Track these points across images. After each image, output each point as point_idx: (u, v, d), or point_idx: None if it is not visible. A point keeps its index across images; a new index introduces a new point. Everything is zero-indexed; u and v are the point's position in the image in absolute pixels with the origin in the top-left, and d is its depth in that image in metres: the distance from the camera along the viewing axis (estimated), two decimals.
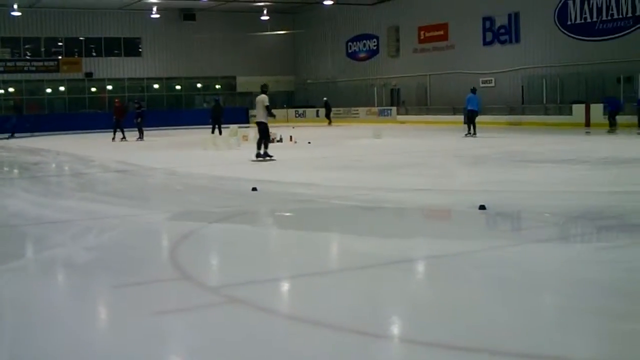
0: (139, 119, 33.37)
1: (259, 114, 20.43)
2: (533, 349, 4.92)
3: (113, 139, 33.01)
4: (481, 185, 13.77)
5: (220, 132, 30.75)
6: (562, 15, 38.29)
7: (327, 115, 47.72)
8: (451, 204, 11.98)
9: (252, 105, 52.66)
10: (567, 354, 4.91)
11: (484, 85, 42.80)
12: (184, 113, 53.02)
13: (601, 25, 36.53)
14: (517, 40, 41.19)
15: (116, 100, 36.11)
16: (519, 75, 40.76)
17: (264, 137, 20.35)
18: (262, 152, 20.22)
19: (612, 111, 30.60)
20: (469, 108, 30.26)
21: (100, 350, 5.26)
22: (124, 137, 32.97)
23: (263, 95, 20.31)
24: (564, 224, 10.08)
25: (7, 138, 37.94)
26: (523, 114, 38.81)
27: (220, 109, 32.69)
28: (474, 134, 29.29)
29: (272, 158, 20.17)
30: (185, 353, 5.22)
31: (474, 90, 31.26)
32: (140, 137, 33.26)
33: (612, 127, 29.82)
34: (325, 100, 49.22)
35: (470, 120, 29.77)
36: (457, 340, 5.15)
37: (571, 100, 37.02)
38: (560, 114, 36.80)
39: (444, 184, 14.20)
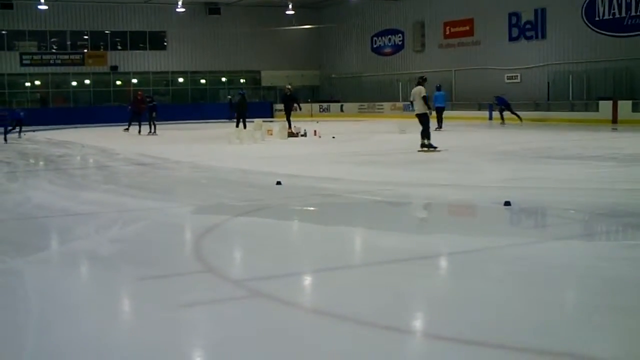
0: (154, 113, 33.62)
1: (418, 106, 20.58)
2: (556, 346, 4.88)
3: (127, 129, 33.47)
4: (506, 181, 13.69)
5: (244, 126, 30.78)
6: (589, 10, 37.96)
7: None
8: (476, 199, 11.91)
9: (276, 100, 53.39)
10: (590, 351, 4.87)
11: (509, 81, 42.59)
12: (208, 107, 53.16)
13: (630, 20, 36.17)
14: (544, 36, 40.91)
15: (139, 92, 36.27)
16: (545, 71, 40.49)
17: (426, 128, 20.44)
18: (426, 142, 20.35)
19: (502, 107, 35.97)
20: (437, 105, 31.99)
21: (123, 342, 5.28)
22: (140, 131, 33.26)
23: (420, 87, 20.71)
24: (589, 221, 10.01)
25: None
26: (549, 110, 38.52)
27: (245, 103, 32.69)
28: (440, 128, 31.17)
29: (437, 149, 20.08)
30: (209, 346, 5.23)
31: (439, 88, 34.00)
32: (153, 131, 33.44)
33: (502, 121, 35.59)
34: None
35: (439, 115, 31.91)
36: (479, 335, 5.12)
37: (598, 97, 36.72)
38: (587, 110, 36.46)
39: (469, 179, 14.13)
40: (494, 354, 4.83)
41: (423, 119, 20.37)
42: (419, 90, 20.54)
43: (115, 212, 10.96)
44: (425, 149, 20.15)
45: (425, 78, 21.90)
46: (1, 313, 5.97)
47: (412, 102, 21.40)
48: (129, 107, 34.26)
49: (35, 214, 11.27)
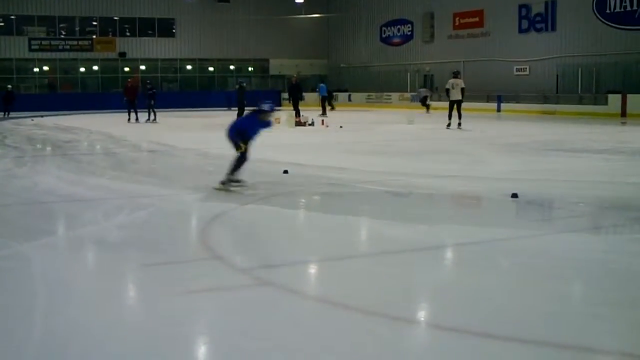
0: (152, 101, 33.51)
1: (459, 94, 26.01)
2: (560, 338, 4.89)
3: (129, 120, 33.09)
4: (513, 173, 13.67)
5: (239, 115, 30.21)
6: (600, 3, 37.79)
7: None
8: (483, 191, 11.89)
9: (284, 88, 53.37)
10: (596, 344, 4.88)
11: (518, 73, 42.50)
12: (216, 94, 53.14)
13: None
14: (554, 28, 40.77)
15: (129, 80, 36.15)
16: (554, 63, 40.37)
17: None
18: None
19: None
20: (321, 94, 40.05)
21: (129, 328, 5.29)
22: (137, 119, 33.02)
23: (459, 79, 26.52)
24: (597, 215, 9.98)
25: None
26: (557, 103, 38.39)
27: (243, 93, 32.41)
28: (324, 114, 36.86)
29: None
30: (214, 333, 5.23)
31: (322, 81, 43.56)
32: (153, 118, 33.33)
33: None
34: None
35: (323, 103, 39.22)
36: (484, 327, 5.12)
37: (607, 90, 36.59)
38: (596, 103, 36.35)
39: (476, 171, 14.12)
40: (500, 346, 4.83)
41: (460, 104, 26.08)
42: (461, 82, 26.19)
43: (122, 198, 10.99)
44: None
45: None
46: (8, 297, 5.99)
47: (448, 90, 26.32)
48: (124, 97, 34.00)
49: (42, 199, 11.29)
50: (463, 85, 26.34)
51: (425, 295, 6.16)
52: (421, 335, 5.21)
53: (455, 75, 26.95)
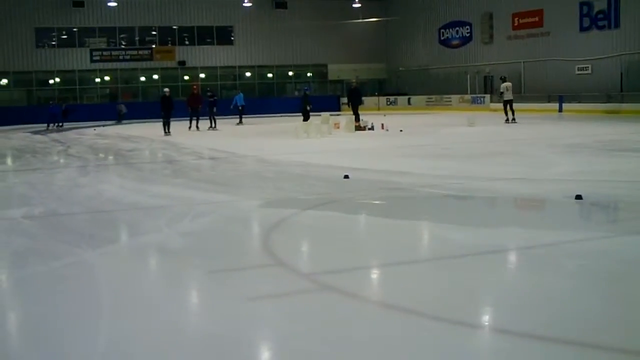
0: (214, 108, 33.81)
1: (510, 94, 31.91)
2: (628, 343, 4.78)
3: (190, 127, 33.26)
4: (576, 174, 13.46)
5: (306, 119, 30.71)
6: None
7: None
8: (545, 193, 11.72)
9: (343, 93, 53.55)
10: None
11: (579, 72, 41.88)
12: (275, 101, 53.44)
13: None
14: (617, 25, 40.08)
15: (194, 86, 36.43)
16: (617, 61, 39.67)
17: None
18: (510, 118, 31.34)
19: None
20: (239, 104, 38.77)
21: (194, 334, 5.32)
22: (198, 127, 33.26)
23: (509, 83, 32.17)
24: None
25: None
26: (622, 102, 37.71)
27: (307, 99, 32.80)
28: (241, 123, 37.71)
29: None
30: (278, 339, 5.24)
31: (238, 92, 42.17)
32: (214, 126, 33.62)
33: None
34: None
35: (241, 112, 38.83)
36: (549, 331, 5.04)
37: None
38: None
39: (538, 173, 13.92)
40: (566, 351, 4.74)
41: (511, 103, 31.80)
42: (510, 84, 32.00)
43: (185, 205, 11.08)
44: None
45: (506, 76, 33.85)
46: (73, 304, 6.08)
47: (502, 93, 32.29)
48: (189, 106, 33.91)
49: (106, 207, 11.45)
50: (511, 86, 32.39)
51: (489, 299, 6.09)
52: (486, 340, 5.15)
53: (504, 79, 32.64)
